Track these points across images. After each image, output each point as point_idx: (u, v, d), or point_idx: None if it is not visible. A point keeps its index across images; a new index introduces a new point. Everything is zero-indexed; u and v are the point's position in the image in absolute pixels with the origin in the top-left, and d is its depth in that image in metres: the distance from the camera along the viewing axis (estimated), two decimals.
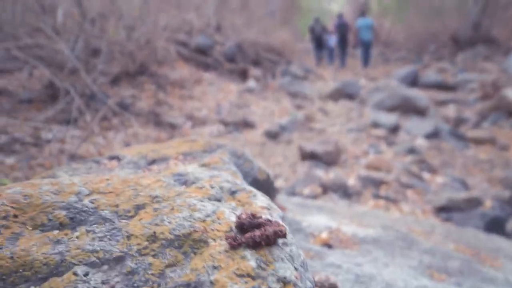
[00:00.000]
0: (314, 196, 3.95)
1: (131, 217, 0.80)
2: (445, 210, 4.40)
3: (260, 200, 0.85)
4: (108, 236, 0.75)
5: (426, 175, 5.42)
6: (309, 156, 4.95)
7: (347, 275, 1.29)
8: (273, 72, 10.25)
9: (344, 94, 8.91)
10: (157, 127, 6.23)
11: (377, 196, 4.24)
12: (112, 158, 1.47)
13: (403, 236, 2.16)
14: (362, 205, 4.01)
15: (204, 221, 0.74)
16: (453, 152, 6.47)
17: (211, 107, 7.09)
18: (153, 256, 0.69)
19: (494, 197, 4.75)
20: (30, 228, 0.82)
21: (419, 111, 7.89)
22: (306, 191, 4.09)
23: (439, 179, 5.42)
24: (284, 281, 0.58)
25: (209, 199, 0.82)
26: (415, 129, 7.09)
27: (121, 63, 6.76)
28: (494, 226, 3.94)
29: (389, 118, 7.31)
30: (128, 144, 5.29)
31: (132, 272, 0.68)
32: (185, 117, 6.55)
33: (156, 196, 0.84)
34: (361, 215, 2.68)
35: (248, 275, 0.58)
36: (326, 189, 4.15)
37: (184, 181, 0.93)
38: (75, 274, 0.68)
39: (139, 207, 0.82)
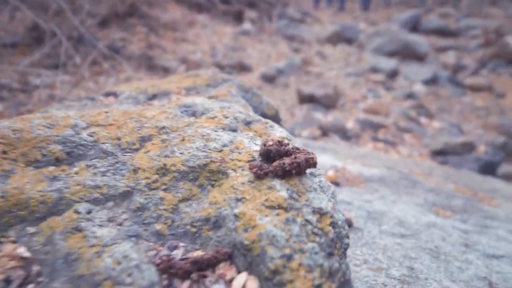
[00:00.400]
0: (314, 138, 3.91)
1: (136, 149, 0.72)
2: (441, 154, 4.47)
3: (279, 131, 0.76)
4: (112, 171, 0.67)
5: (423, 120, 5.43)
6: (307, 99, 4.85)
7: (359, 212, 1.25)
8: (269, 14, 9.81)
9: (342, 38, 8.64)
10: (150, 71, 6.02)
11: (375, 139, 4.22)
12: (108, 94, 1.36)
13: (406, 176, 2.15)
14: (361, 146, 4.00)
15: (221, 151, 0.65)
16: (450, 98, 6.48)
17: (206, 50, 6.84)
18: (165, 190, 0.61)
19: (488, 142, 4.83)
20: (23, 165, 0.73)
21: (419, 57, 7.80)
22: (305, 133, 4.05)
23: (436, 124, 5.45)
24: (320, 212, 0.50)
25: (224, 129, 0.73)
26: (413, 75, 7.06)
27: (109, 4, 6.37)
28: (488, 169, 4.08)
29: (388, 63, 7.21)
30: None
31: (141, 208, 0.60)
32: (179, 60, 6.32)
33: (164, 127, 0.75)
34: (363, 156, 2.65)
35: (280, 207, 0.50)
36: (326, 131, 4.11)
37: (192, 112, 0.83)
38: (76, 212, 0.60)
39: (144, 139, 0.73)
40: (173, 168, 0.64)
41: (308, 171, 0.59)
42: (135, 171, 0.66)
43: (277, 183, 0.55)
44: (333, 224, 0.50)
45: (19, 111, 4.29)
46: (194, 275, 0.50)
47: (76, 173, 0.68)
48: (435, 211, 1.60)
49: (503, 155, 4.55)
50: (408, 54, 7.81)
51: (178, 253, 0.53)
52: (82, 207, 0.61)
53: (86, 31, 5.64)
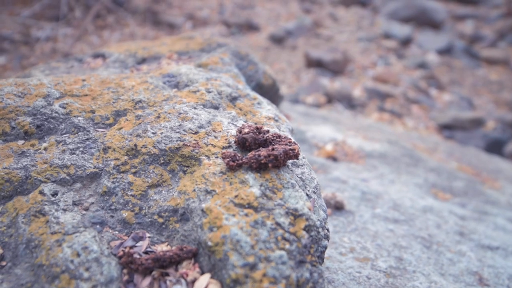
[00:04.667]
0: (318, 105, 3.82)
1: (110, 125, 0.66)
2: (448, 128, 4.37)
3: (266, 109, 0.69)
4: (81, 149, 0.62)
5: (433, 92, 5.28)
6: (314, 64, 4.71)
7: (353, 192, 1.20)
8: None
9: (356, 0, 8.28)
10: (155, 27, 5.86)
11: (382, 109, 4.11)
12: (97, 56, 1.29)
13: (409, 152, 2.09)
14: (366, 117, 3.91)
15: (196, 133, 0.59)
16: (463, 70, 6.25)
17: (214, 7, 6.59)
18: (134, 173, 0.56)
19: (498, 119, 4.71)
20: None
21: (435, 25, 7.43)
22: (310, 99, 3.95)
23: (446, 97, 5.29)
24: (294, 214, 0.45)
25: (204, 106, 0.66)
26: (428, 43, 6.76)
27: None
28: (494, 147, 3.97)
29: (402, 30, 6.90)
30: None
31: (108, 193, 0.56)
32: (185, 16, 6.12)
33: (140, 101, 0.69)
34: (367, 128, 2.58)
35: (250, 206, 0.45)
36: (331, 98, 4.00)
37: (175, 83, 0.76)
38: (42, 193, 0.56)
39: (119, 114, 0.68)
40: (144, 150, 0.58)
41: (290, 161, 0.54)
42: (105, 150, 0.61)
43: (250, 177, 0.49)
44: (308, 228, 0.45)
45: (22, 64, 4.20)
46: (155, 273, 0.46)
47: (45, 149, 0.64)
48: (434, 192, 1.56)
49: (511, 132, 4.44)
50: (424, 21, 7.45)
51: (143, 245, 0.49)
52: (48, 188, 0.57)
53: None
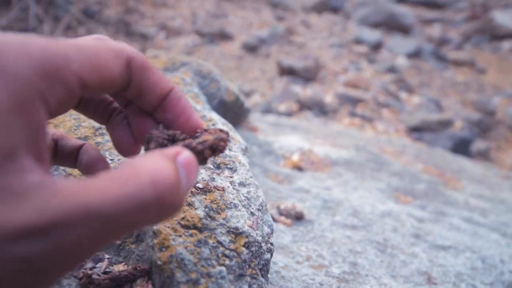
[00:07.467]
0: (290, 113, 3.89)
1: None
2: (417, 130, 4.48)
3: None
4: None
5: (403, 95, 5.42)
6: (287, 72, 4.79)
7: (315, 201, 1.25)
8: None
9: (328, 7, 8.47)
10: (128, 38, 5.83)
11: (353, 114, 4.22)
12: None
13: (375, 157, 2.15)
14: (337, 122, 4.00)
15: None
16: (432, 72, 6.46)
17: (186, 16, 6.62)
18: None
19: (464, 118, 4.87)
20: None
21: (404, 29, 7.68)
22: (282, 107, 4.02)
23: (415, 99, 5.45)
24: (235, 232, 0.50)
25: None
26: (397, 47, 6.96)
27: None
28: (461, 146, 4.08)
29: (372, 35, 7.09)
30: None
31: None
32: (158, 26, 6.13)
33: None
34: (336, 135, 2.65)
35: (194, 227, 0.49)
36: (303, 105, 4.09)
37: None
38: None
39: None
40: None
41: (237, 181, 0.58)
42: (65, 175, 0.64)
43: (196, 199, 0.53)
44: (247, 244, 0.50)
45: None
46: None
47: None
48: (396, 196, 1.61)
49: (478, 131, 4.60)
50: (394, 25, 7.68)
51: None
52: None
53: None
